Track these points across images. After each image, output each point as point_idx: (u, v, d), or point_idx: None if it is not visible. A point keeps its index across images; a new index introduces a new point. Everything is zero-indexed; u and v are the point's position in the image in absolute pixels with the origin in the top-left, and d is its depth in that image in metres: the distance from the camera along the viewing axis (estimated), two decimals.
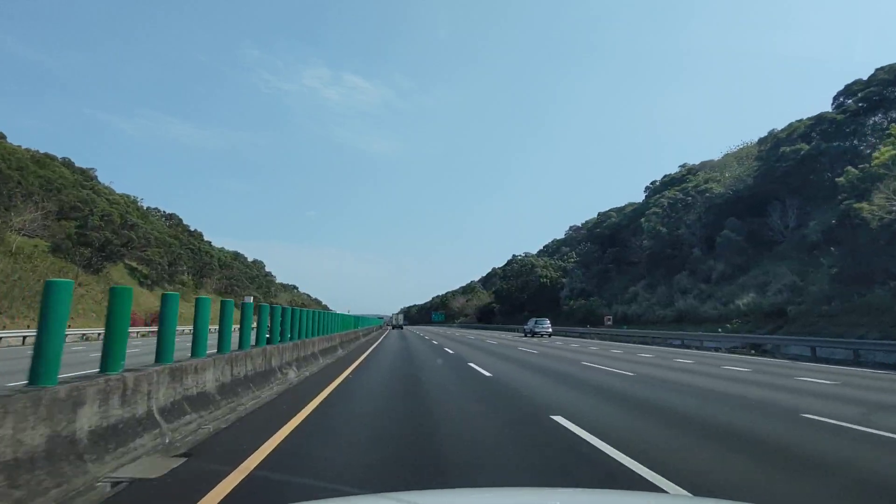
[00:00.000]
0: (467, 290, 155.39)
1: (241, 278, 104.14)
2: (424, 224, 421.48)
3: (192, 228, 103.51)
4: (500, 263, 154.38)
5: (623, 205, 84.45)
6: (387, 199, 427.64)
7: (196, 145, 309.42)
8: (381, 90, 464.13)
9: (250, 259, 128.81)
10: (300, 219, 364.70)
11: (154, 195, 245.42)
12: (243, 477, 3.80)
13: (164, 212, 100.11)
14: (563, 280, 64.84)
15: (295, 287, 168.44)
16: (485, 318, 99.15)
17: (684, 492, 3.58)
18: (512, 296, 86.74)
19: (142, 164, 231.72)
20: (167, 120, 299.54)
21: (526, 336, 39.62)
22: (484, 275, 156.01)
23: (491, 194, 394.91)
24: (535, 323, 40.59)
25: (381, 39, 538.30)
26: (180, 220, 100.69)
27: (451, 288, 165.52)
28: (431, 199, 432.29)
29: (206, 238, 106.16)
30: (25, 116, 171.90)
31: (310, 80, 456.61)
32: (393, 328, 67.12)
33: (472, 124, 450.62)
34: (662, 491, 3.57)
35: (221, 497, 3.36)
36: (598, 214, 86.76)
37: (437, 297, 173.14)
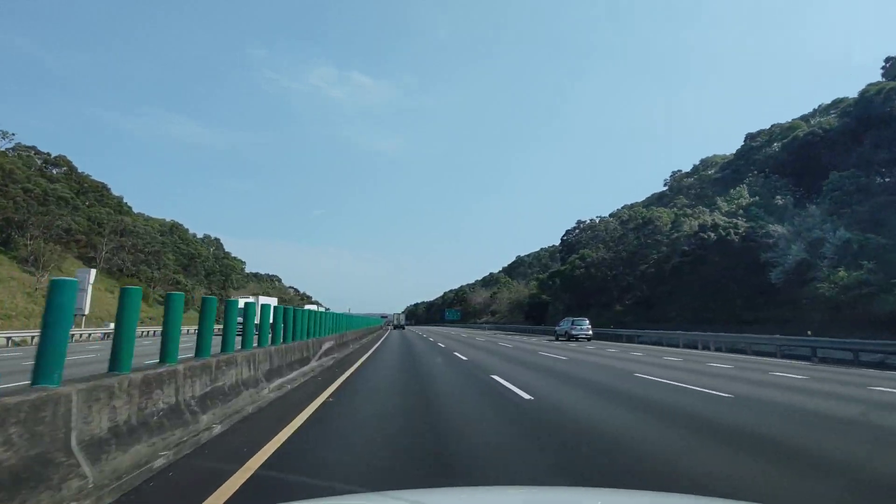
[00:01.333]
0: (490, 281, 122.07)
1: (166, 256, 70.32)
2: (424, 222, 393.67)
3: (108, 187, 70.34)
4: (525, 251, 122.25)
5: (790, 119, 50.83)
6: (386, 198, 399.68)
7: (199, 144, 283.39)
8: (385, 90, 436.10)
9: (200, 235, 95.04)
10: (301, 217, 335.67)
11: (154, 194, 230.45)
12: None
13: (51, 156, 66.73)
14: (774, 232, 28.82)
15: (276, 279, 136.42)
16: (536, 316, 65.45)
17: None
18: (592, 279, 52.63)
19: (144, 164, 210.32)
20: (170, 118, 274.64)
21: (559, 340, 32.64)
22: (507, 264, 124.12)
23: (491, 191, 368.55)
24: (572, 324, 33.42)
25: (384, 39, 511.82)
26: (77, 171, 67.16)
27: (465, 282, 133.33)
28: (431, 196, 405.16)
29: (135, 209, 72.87)
30: (27, 116, 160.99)
31: (315, 79, 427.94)
32: (394, 328, 68.42)
33: (472, 122, 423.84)
34: None
35: None
36: (747, 137, 53.01)
37: (451, 291, 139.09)
